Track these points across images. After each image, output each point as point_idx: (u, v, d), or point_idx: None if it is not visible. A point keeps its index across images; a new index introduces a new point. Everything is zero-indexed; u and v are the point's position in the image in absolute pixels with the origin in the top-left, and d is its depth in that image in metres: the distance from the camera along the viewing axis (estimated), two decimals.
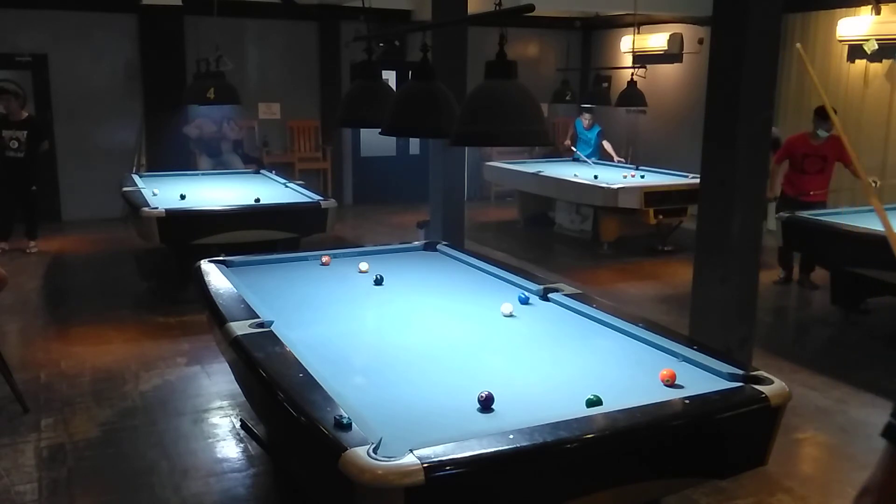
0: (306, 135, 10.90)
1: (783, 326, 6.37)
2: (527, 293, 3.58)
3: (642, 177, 8.77)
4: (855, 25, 8.11)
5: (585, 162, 9.61)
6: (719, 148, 3.96)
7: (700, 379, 2.64)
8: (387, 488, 1.91)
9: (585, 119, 9.97)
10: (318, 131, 10.93)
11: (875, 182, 6.40)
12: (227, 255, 4.26)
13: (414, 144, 11.52)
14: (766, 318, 6.20)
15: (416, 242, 4.90)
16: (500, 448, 2.05)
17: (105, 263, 7.79)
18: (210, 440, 3.99)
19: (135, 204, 6.17)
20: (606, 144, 10.04)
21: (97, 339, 5.47)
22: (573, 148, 9.97)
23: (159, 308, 6.17)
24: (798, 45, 7.79)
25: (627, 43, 10.73)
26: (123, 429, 4.10)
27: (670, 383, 2.57)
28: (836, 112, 6.23)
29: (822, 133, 6.53)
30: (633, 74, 8.67)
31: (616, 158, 10.03)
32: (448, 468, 1.96)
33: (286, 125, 10.80)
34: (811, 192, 6.63)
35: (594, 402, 2.38)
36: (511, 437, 2.09)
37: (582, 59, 12.28)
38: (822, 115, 6.49)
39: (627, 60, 10.03)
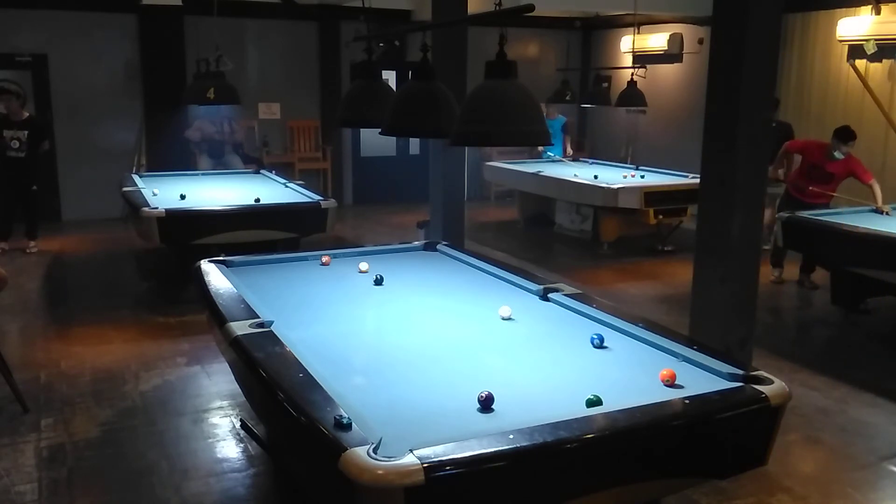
0: (306, 135, 10.90)
1: (783, 326, 6.37)
2: (598, 334, 3.05)
3: (642, 177, 8.78)
4: (855, 25, 8.11)
5: (558, 159, 9.68)
6: (719, 148, 3.96)
7: (700, 379, 2.64)
8: (387, 488, 1.91)
9: (549, 107, 9.96)
10: (318, 131, 10.93)
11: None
12: (227, 255, 4.25)
13: (414, 144, 11.52)
14: (766, 318, 6.20)
15: (416, 242, 4.90)
16: (500, 448, 2.05)
17: (105, 263, 7.79)
18: (210, 440, 3.99)
19: (135, 204, 6.16)
20: (566, 138, 10.16)
21: (97, 339, 5.47)
22: (539, 148, 9.95)
23: (159, 308, 6.17)
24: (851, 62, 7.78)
25: (627, 43, 10.73)
26: (123, 429, 4.10)
27: (670, 383, 2.57)
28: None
29: (838, 155, 6.49)
30: (633, 74, 8.68)
31: (569, 152, 10.09)
32: (448, 468, 1.96)
33: (286, 125, 10.80)
34: (810, 189, 6.63)
35: (594, 402, 2.38)
36: (511, 437, 2.09)
37: (582, 59, 12.29)
38: (842, 137, 6.44)
39: (627, 60, 10.03)
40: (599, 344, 3.00)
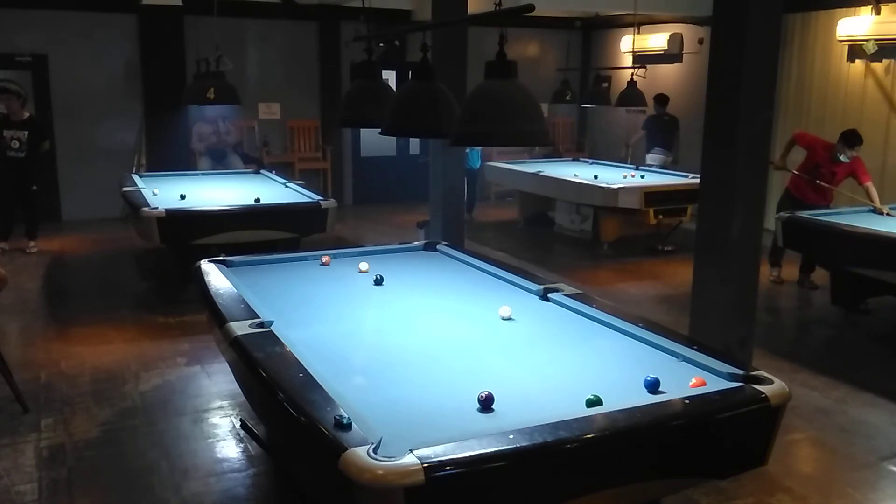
0: (306, 135, 10.90)
1: (783, 326, 6.37)
2: (653, 377, 2.57)
3: (642, 177, 8.78)
4: (855, 25, 8.11)
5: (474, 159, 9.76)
6: (719, 148, 3.96)
7: None
8: (387, 488, 1.91)
9: None
10: (318, 131, 10.93)
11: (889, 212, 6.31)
12: (227, 255, 4.25)
13: (414, 144, 11.52)
14: (766, 318, 6.20)
15: (416, 242, 4.90)
16: (500, 448, 2.05)
17: (105, 263, 7.79)
18: (210, 440, 3.99)
19: (135, 204, 6.16)
20: None
21: (97, 339, 5.47)
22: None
23: (159, 308, 6.17)
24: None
25: (627, 43, 10.73)
26: (123, 429, 4.10)
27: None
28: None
29: (844, 158, 6.48)
30: (633, 74, 8.68)
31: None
32: (448, 468, 1.96)
33: (286, 125, 10.79)
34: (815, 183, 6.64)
35: (594, 402, 2.38)
36: (511, 437, 2.09)
37: (582, 59, 12.29)
38: (849, 142, 6.41)
39: (627, 60, 10.03)
40: (652, 387, 2.54)
